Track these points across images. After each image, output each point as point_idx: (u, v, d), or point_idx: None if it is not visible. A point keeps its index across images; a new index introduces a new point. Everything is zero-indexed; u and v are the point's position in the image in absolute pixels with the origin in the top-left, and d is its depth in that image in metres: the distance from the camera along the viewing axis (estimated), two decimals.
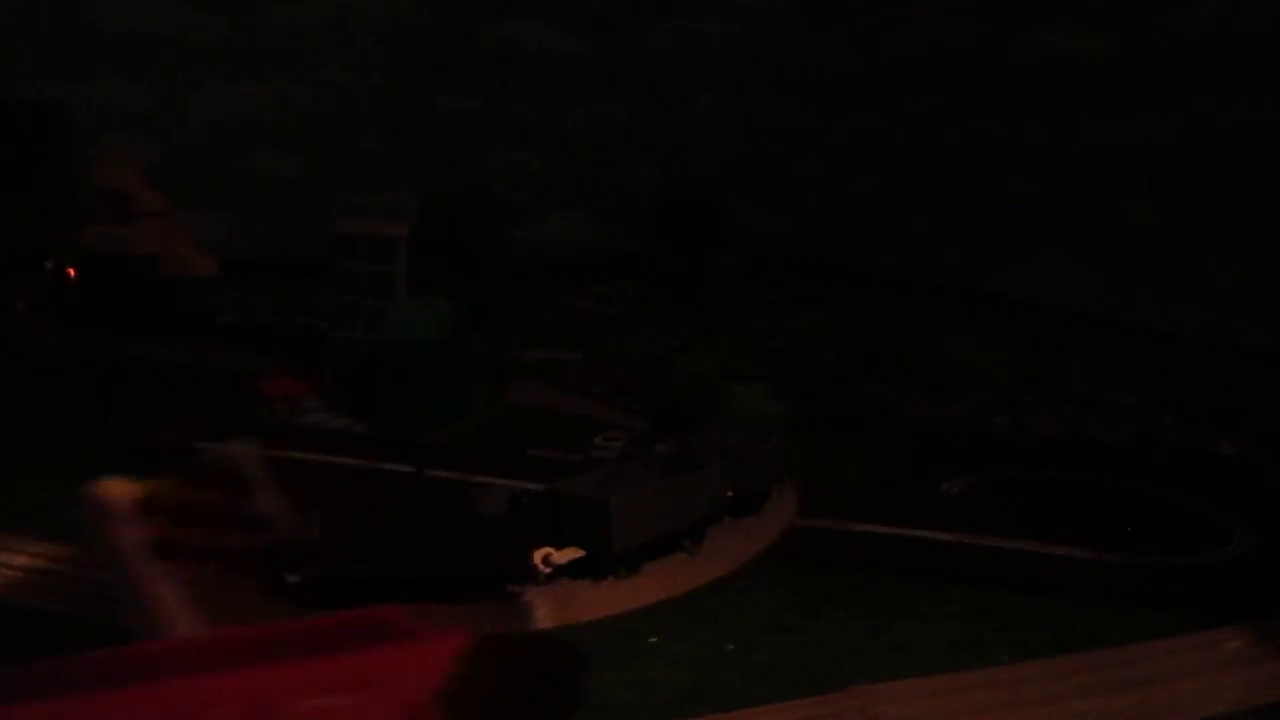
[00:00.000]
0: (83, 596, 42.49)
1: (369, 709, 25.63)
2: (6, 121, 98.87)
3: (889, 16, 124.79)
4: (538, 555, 45.34)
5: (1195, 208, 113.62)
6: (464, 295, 68.13)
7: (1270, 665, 41.41)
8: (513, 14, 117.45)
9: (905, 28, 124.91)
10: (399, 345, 63.91)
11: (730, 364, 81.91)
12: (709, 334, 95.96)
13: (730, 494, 55.07)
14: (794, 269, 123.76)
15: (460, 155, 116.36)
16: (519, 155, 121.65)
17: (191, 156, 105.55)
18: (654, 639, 41.26)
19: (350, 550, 44.49)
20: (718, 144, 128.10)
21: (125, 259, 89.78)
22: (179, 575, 31.30)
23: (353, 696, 25.86)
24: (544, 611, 43.99)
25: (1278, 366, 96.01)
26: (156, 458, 57.92)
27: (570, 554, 48.54)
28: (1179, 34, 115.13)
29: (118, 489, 32.02)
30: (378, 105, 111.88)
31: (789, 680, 38.57)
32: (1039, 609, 47.70)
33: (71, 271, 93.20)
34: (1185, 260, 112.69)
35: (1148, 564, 51.93)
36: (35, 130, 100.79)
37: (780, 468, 57.98)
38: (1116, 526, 55.88)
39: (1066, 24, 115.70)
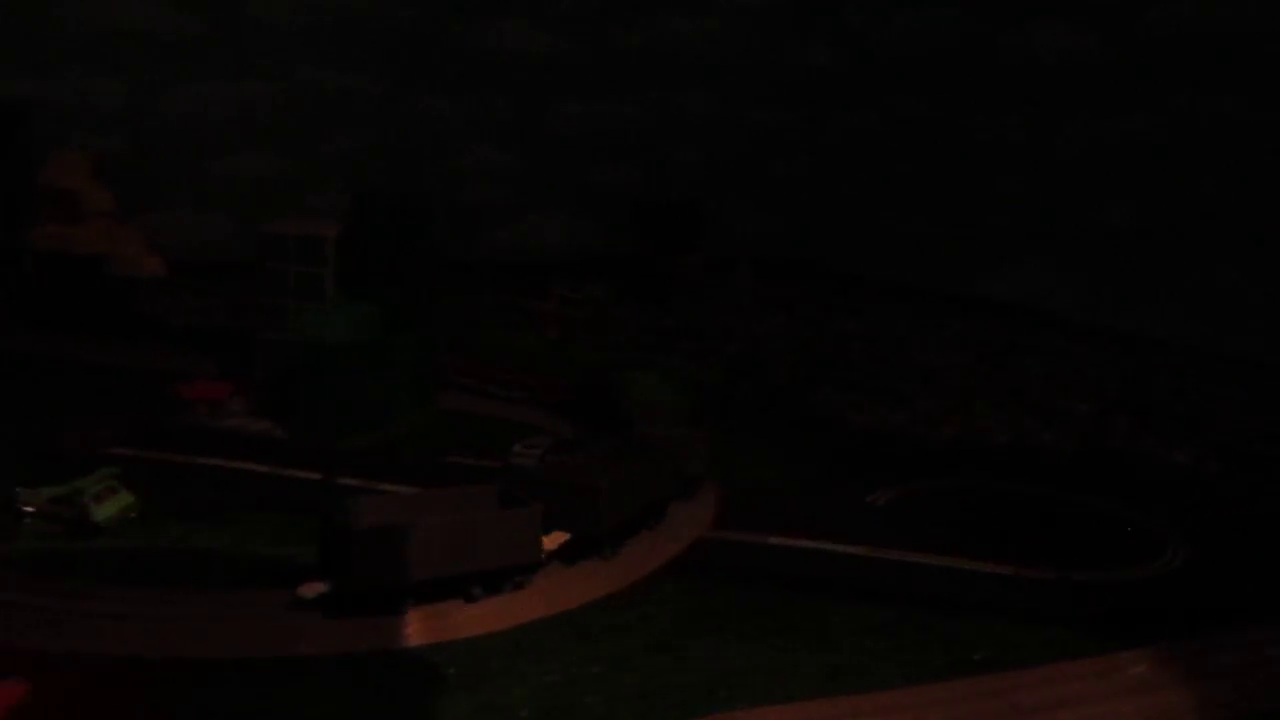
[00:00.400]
0: None
1: None
2: None
3: (875, 16, 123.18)
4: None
5: (1177, 209, 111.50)
6: (389, 298, 66.65)
7: (1171, 693, 39.62)
8: (493, 13, 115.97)
9: (890, 28, 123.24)
10: (315, 348, 62.46)
11: (625, 354, 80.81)
12: (669, 336, 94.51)
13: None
14: (768, 270, 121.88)
15: (438, 155, 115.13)
16: (498, 155, 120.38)
17: (161, 155, 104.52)
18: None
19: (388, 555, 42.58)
20: (701, 144, 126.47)
21: (71, 258, 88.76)
22: None
23: None
24: (414, 629, 42.50)
25: (1248, 372, 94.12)
26: (62, 460, 57.26)
27: (558, 538, 48.58)
28: (1162, 33, 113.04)
29: None
30: (354, 104, 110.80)
31: (654, 706, 37.11)
32: (940, 628, 45.87)
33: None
34: (1165, 263, 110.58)
35: (1067, 580, 49.85)
36: None
37: (708, 453, 58.56)
38: (1045, 540, 54.44)
39: (1053, 24, 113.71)
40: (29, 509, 51.97)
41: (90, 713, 34.33)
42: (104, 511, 51.65)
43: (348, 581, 40.61)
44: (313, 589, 42.82)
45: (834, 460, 66.57)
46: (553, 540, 46.51)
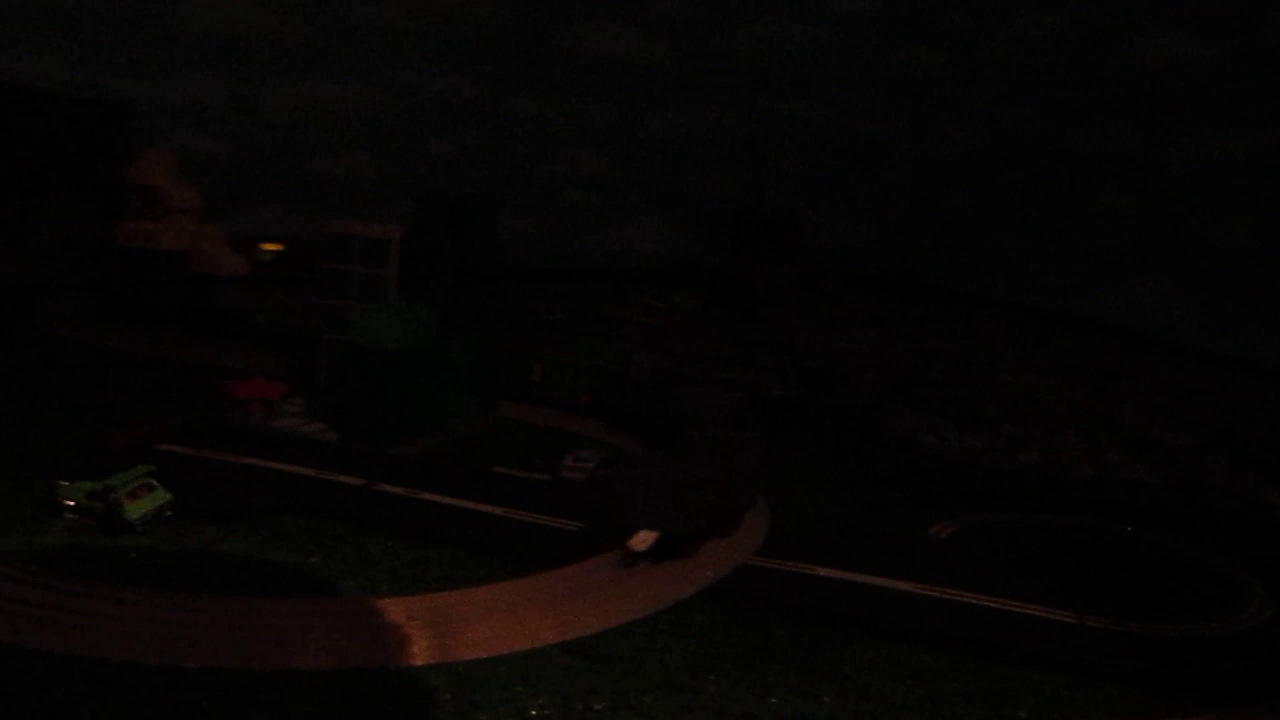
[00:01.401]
0: None
1: None
2: (73, 119, 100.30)
3: (979, 24, 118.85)
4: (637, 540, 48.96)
5: None
6: (449, 302, 65.63)
7: None
8: (592, 18, 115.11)
9: (996, 36, 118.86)
10: (368, 352, 61.48)
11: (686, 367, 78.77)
12: (750, 348, 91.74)
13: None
14: (861, 283, 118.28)
15: (532, 160, 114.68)
16: (592, 161, 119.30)
17: (260, 155, 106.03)
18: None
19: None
20: (798, 153, 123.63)
21: (153, 254, 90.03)
22: None
23: None
24: (420, 647, 40.93)
25: None
26: (109, 455, 57.37)
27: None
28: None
29: None
30: (450, 108, 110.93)
31: None
32: (985, 678, 42.49)
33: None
34: None
35: (1134, 632, 47.32)
36: (101, 127, 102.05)
37: (761, 456, 58.59)
38: (1118, 585, 49.87)
39: (1168, 33, 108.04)
40: (69, 502, 52.05)
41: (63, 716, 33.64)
42: (137, 509, 51.40)
43: (677, 525, 45.81)
44: (644, 540, 44.11)
45: (900, 485, 63.27)
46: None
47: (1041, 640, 45.15)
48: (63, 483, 53.59)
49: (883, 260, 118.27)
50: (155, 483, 53.66)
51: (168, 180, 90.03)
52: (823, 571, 50.56)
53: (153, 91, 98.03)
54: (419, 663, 40.35)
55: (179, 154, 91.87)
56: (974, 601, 48.07)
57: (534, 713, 37.25)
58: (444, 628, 42.38)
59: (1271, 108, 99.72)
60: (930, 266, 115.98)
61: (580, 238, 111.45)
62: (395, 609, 43.32)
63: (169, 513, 51.98)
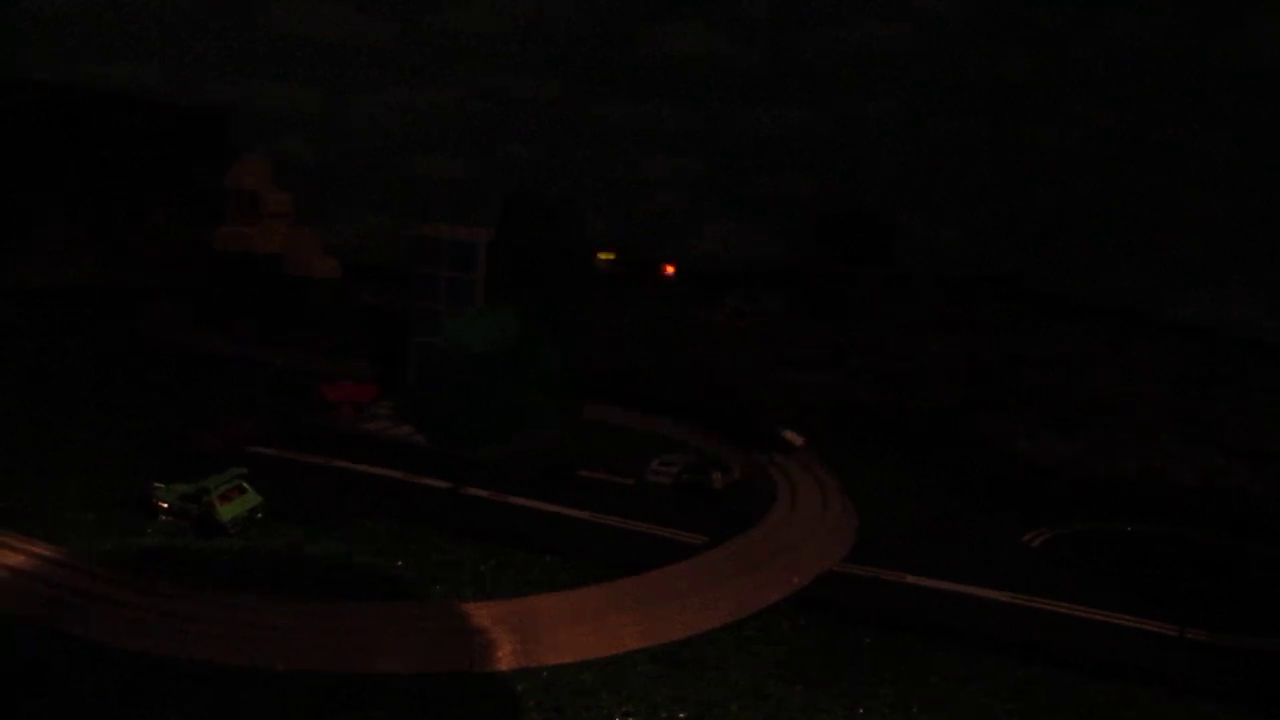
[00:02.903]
0: (61, 603, 41.99)
1: None
2: (170, 125, 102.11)
3: (1070, 22, 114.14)
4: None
5: None
6: (535, 305, 64.91)
7: None
8: (671, 17, 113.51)
9: (1087, 30, 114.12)
10: (452, 354, 61.09)
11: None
12: (837, 352, 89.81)
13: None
14: (952, 286, 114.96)
15: (616, 162, 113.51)
16: (677, 163, 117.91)
17: (350, 160, 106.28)
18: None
19: None
20: (886, 153, 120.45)
21: (250, 257, 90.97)
22: None
23: None
24: (505, 651, 40.69)
25: None
26: (198, 459, 57.66)
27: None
28: None
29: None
30: (533, 111, 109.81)
31: None
32: (1081, 692, 41.02)
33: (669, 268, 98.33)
34: None
35: (1237, 647, 45.40)
36: (198, 134, 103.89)
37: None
38: (1223, 597, 50.09)
39: (1262, 30, 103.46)
40: (164, 505, 52.86)
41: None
42: (230, 511, 51.93)
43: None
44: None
45: (990, 492, 61.29)
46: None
47: (1140, 653, 43.35)
48: (158, 485, 54.26)
49: (974, 263, 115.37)
50: (247, 485, 54.06)
51: (262, 185, 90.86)
52: (912, 579, 49.13)
53: (247, 97, 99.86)
54: (503, 667, 40.05)
55: (272, 159, 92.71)
56: (1068, 612, 46.33)
57: (617, 719, 36.75)
58: (528, 632, 42.00)
59: None
60: (1022, 269, 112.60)
61: (667, 241, 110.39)
62: (480, 613, 43.03)
63: (259, 515, 52.22)
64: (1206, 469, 60.43)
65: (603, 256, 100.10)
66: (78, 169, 61.18)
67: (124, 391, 63.46)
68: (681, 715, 34.86)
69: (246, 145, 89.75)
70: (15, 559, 31.91)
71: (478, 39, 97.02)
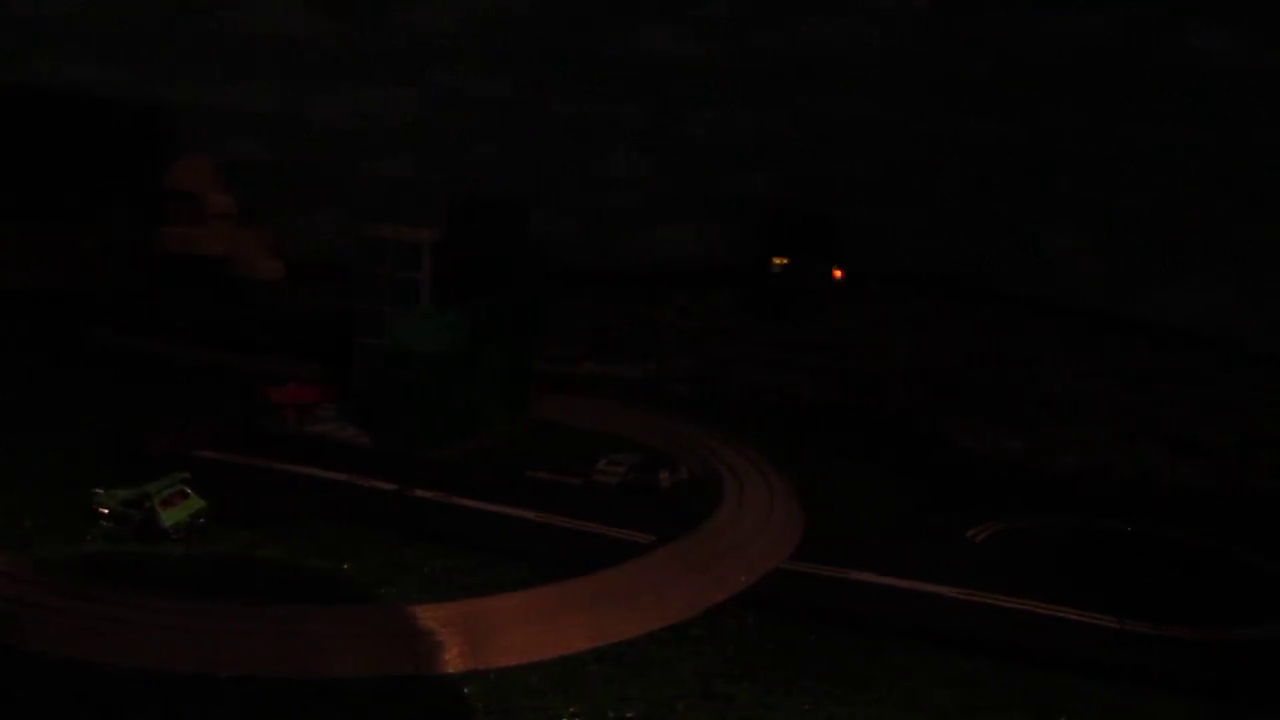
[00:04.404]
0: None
1: None
2: (112, 123, 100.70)
3: (1026, 21, 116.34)
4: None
5: None
6: (482, 305, 64.61)
7: None
8: (633, 19, 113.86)
9: (1042, 33, 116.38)
10: (398, 356, 60.58)
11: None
12: (787, 350, 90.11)
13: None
14: (903, 285, 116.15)
15: (575, 161, 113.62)
16: (633, 162, 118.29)
17: (303, 160, 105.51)
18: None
19: None
20: (839, 152, 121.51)
21: (193, 259, 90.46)
22: None
23: None
24: (453, 653, 40.37)
25: None
26: (147, 462, 56.98)
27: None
28: None
29: None
30: (494, 110, 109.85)
31: None
32: (1028, 685, 41.46)
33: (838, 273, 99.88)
34: None
35: (1180, 638, 46.14)
36: (141, 133, 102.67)
37: None
38: (1163, 591, 50.94)
39: (1217, 29, 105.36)
40: (104, 510, 52.12)
41: None
42: (172, 516, 51.32)
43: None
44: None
45: (937, 488, 61.94)
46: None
47: (1084, 646, 44.04)
48: (98, 490, 53.52)
49: (926, 261, 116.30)
50: (189, 490, 53.45)
51: (206, 186, 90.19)
52: (859, 576, 49.42)
53: (195, 97, 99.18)
54: (451, 670, 39.83)
55: (219, 160, 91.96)
56: (1014, 606, 46.81)
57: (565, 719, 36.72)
58: (476, 634, 41.85)
59: None
60: (974, 267, 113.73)
61: (621, 239, 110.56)
62: (427, 615, 42.82)
63: (203, 520, 51.62)
64: (1148, 464, 60.81)
65: (777, 261, 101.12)
66: (13, 169, 59.99)
67: (66, 395, 62.19)
68: (629, 715, 34.64)
69: (196, 145, 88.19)
70: None
71: (434, 38, 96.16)
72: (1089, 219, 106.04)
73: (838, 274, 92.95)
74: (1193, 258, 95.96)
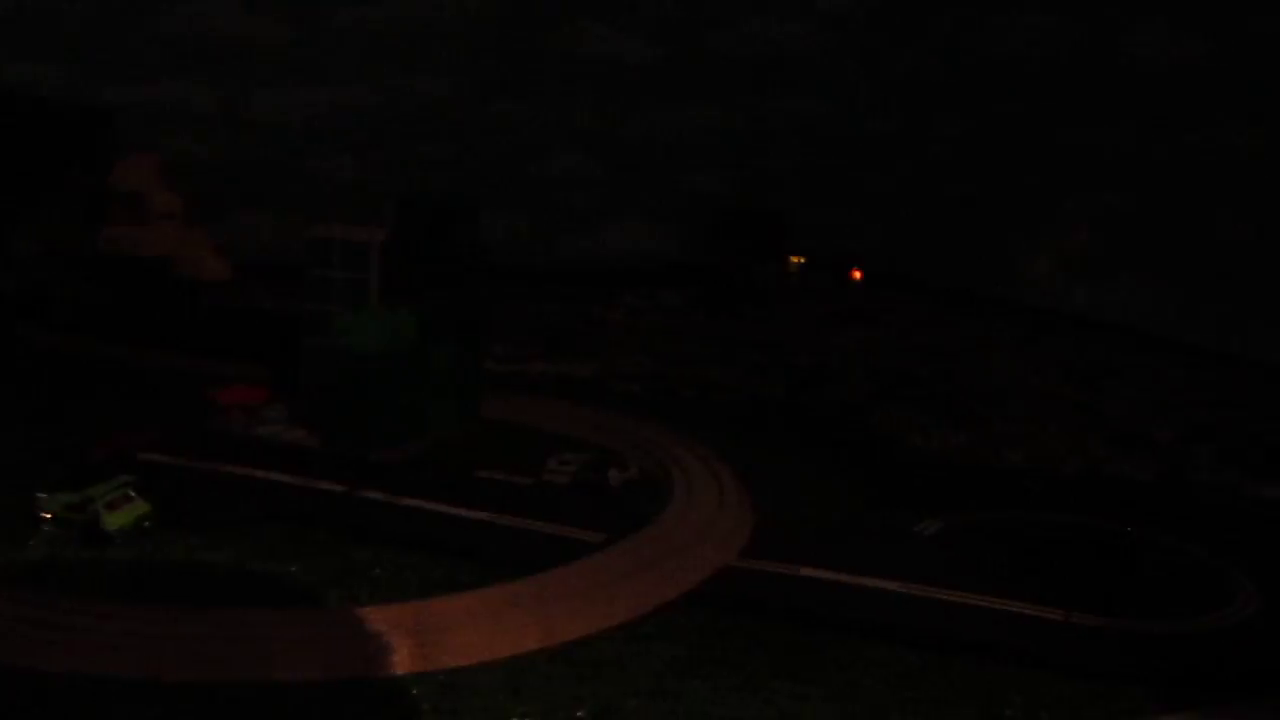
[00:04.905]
0: None
1: None
2: (55, 124, 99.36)
3: (972, 22, 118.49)
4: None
5: None
6: (431, 305, 64.94)
7: None
8: (579, 16, 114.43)
9: (985, 33, 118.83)
10: (348, 357, 60.90)
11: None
12: (737, 347, 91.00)
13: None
14: (851, 281, 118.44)
15: (522, 161, 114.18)
16: (582, 161, 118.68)
17: (248, 159, 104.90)
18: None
19: None
20: (788, 151, 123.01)
21: (137, 260, 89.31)
22: None
23: None
24: (402, 655, 40.50)
25: None
26: (93, 466, 56.62)
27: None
28: (1273, 41, 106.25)
29: None
30: (439, 110, 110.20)
31: None
32: (975, 677, 42.24)
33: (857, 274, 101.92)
34: (1273, 281, 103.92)
35: (1121, 629, 44.42)
36: (85, 133, 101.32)
37: None
38: (1105, 581, 49.28)
39: (1159, 29, 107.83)
40: (47, 515, 51.61)
41: None
42: (116, 520, 51.00)
43: None
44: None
45: (885, 484, 62.89)
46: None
47: (1029, 638, 45.00)
48: (41, 495, 53.07)
49: (873, 258, 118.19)
50: (134, 494, 53.23)
51: (150, 185, 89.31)
52: (808, 572, 50.26)
53: (138, 96, 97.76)
54: (400, 672, 39.99)
55: (163, 159, 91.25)
56: (960, 600, 47.81)
57: (521, 718, 36.93)
58: (426, 635, 42.01)
59: (1259, 104, 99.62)
60: (920, 264, 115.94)
61: (570, 238, 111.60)
62: (377, 617, 42.95)
63: (148, 524, 51.50)
64: (1091, 457, 60.81)
65: (794, 260, 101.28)
66: None
67: (8, 399, 60.11)
68: (580, 714, 34.26)
69: (138, 144, 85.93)
70: None
71: (381, 38, 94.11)
72: (1035, 217, 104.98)
73: (857, 274, 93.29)
74: (1135, 255, 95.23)
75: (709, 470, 62.42)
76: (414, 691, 37.77)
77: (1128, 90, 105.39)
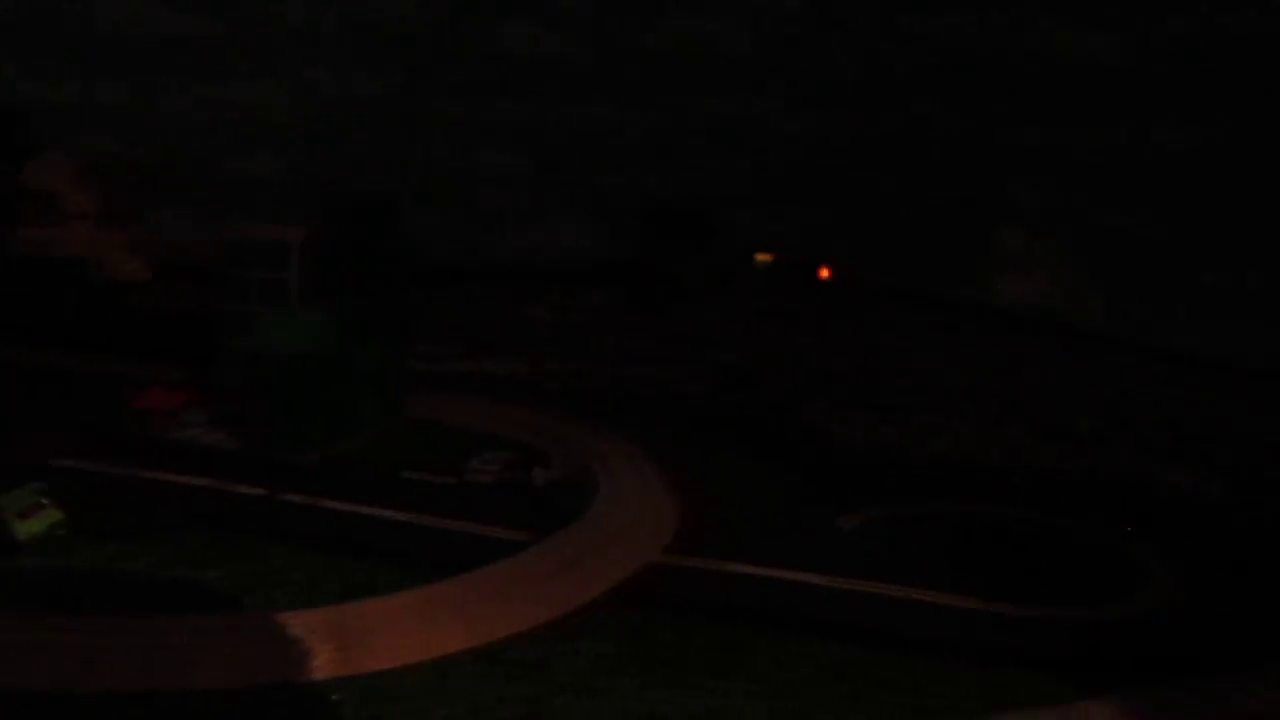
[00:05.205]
0: None
1: None
2: None
3: (891, 22, 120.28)
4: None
5: (1202, 219, 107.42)
6: (353, 305, 64.34)
7: None
8: (506, 16, 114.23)
9: (906, 33, 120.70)
10: (269, 358, 60.08)
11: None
12: (664, 344, 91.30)
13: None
14: (776, 278, 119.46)
15: (448, 159, 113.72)
16: (509, 160, 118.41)
17: (167, 156, 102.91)
18: None
19: None
20: (713, 149, 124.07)
21: (51, 261, 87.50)
22: None
23: None
24: (323, 660, 40.03)
25: (1269, 387, 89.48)
26: (12, 472, 55.23)
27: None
28: (1185, 39, 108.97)
29: None
30: (364, 108, 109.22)
31: None
32: (897, 669, 42.75)
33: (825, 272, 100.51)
34: (1188, 273, 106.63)
35: (1042, 617, 45.22)
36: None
37: None
38: (1025, 570, 49.98)
39: (1070, 28, 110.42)
40: None
41: None
42: (28, 529, 49.85)
43: None
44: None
45: (810, 478, 63.42)
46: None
47: (950, 628, 45.66)
48: None
49: (798, 255, 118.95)
50: (46, 500, 51.99)
51: (64, 185, 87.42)
52: (734, 567, 50.53)
53: (53, 94, 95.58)
54: (322, 676, 39.41)
55: (78, 158, 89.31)
56: (884, 593, 48.35)
57: None
58: (348, 639, 41.51)
59: (1169, 102, 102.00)
60: (845, 260, 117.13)
61: (496, 237, 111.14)
62: (297, 622, 42.35)
63: (61, 531, 50.28)
64: (1012, 448, 61.74)
65: (761, 258, 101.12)
66: None
67: None
68: (504, 715, 33.89)
69: (53, 143, 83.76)
70: None
71: (304, 35, 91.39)
72: (955, 212, 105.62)
73: (824, 273, 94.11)
74: (1053, 246, 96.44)
75: (634, 468, 62.64)
76: (335, 697, 37.28)
77: (1049, 89, 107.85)
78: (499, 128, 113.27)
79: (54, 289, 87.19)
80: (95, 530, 50.55)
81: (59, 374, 74.83)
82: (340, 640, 41.82)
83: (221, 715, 36.23)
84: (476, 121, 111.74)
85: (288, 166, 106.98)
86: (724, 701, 38.96)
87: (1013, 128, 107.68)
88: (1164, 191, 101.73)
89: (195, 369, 72.99)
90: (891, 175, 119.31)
